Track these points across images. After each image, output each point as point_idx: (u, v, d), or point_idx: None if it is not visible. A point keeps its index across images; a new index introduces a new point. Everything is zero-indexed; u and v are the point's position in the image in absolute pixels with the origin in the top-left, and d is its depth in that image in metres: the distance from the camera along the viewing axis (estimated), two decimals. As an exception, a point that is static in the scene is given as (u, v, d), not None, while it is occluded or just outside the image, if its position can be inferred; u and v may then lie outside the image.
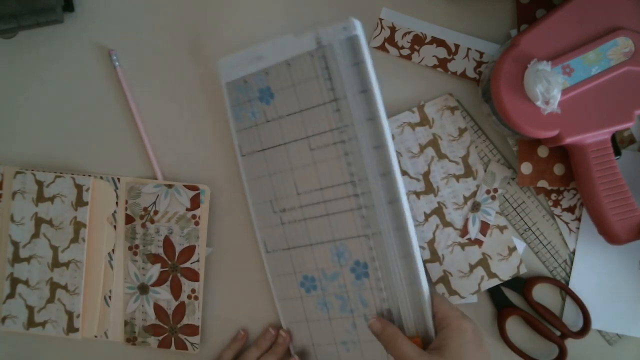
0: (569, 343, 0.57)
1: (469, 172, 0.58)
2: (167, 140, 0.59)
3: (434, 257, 0.57)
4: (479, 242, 0.57)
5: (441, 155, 0.58)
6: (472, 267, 0.57)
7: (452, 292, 0.57)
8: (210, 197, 0.57)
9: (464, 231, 0.57)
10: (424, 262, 0.57)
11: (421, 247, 0.57)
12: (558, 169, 0.57)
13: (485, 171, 0.57)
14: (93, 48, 0.60)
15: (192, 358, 0.58)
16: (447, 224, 0.57)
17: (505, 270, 0.57)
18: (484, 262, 0.57)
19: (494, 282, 0.57)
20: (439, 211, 0.58)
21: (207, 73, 0.58)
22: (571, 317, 0.58)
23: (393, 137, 0.57)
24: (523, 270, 0.57)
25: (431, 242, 0.57)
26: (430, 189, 0.58)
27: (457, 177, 0.58)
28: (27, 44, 0.60)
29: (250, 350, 0.58)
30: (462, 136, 0.58)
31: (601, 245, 0.55)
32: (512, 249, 0.57)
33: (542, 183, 0.57)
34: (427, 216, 0.58)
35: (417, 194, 0.58)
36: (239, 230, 0.59)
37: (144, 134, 0.58)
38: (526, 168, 0.57)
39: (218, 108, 0.58)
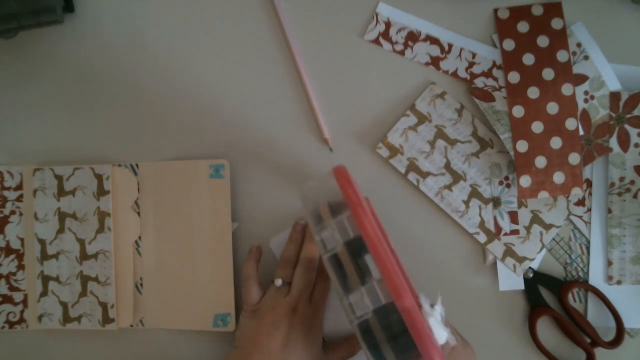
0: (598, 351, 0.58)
1: (484, 145, 0.58)
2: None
3: (490, 236, 0.59)
4: (515, 232, 0.58)
5: (452, 142, 0.59)
6: (527, 228, 0.59)
7: (521, 259, 0.59)
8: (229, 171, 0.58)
9: (497, 230, 0.58)
10: (483, 244, 0.59)
11: (475, 234, 0.59)
12: (558, 178, 0.58)
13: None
14: (93, 48, 0.60)
15: (227, 336, 0.60)
16: (487, 201, 0.59)
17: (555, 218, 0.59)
18: (536, 219, 0.59)
19: (553, 232, 0.59)
20: (475, 193, 0.59)
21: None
22: (594, 321, 0.59)
23: (401, 147, 0.58)
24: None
25: (482, 224, 0.59)
26: (457, 177, 0.58)
27: (476, 154, 0.59)
28: (27, 44, 0.60)
29: (287, 246, 0.58)
30: (462, 115, 0.59)
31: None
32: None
33: (543, 194, 0.57)
34: (466, 203, 0.59)
35: (448, 187, 0.58)
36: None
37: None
38: (525, 181, 0.57)
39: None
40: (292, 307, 0.55)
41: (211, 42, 0.60)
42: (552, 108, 0.57)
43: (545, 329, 0.60)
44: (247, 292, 0.56)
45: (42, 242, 0.59)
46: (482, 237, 0.59)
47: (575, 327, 0.58)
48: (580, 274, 0.59)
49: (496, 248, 0.59)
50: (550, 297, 0.59)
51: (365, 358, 0.46)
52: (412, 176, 0.59)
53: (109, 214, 0.59)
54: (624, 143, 0.58)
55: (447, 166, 0.58)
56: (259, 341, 0.53)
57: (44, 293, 0.59)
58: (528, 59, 0.58)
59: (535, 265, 0.59)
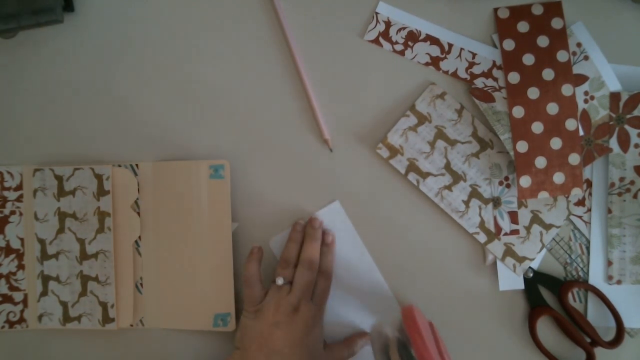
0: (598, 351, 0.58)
1: (484, 145, 0.58)
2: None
3: (490, 236, 0.59)
4: (515, 232, 0.58)
5: (452, 142, 0.58)
6: (527, 228, 0.59)
7: (521, 259, 0.59)
8: (230, 171, 0.59)
9: (497, 230, 0.58)
10: (483, 244, 0.59)
11: (475, 234, 0.59)
12: (558, 178, 0.57)
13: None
14: (93, 48, 0.60)
15: (227, 336, 0.60)
16: (487, 201, 0.59)
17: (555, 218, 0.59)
18: (536, 219, 0.59)
19: (553, 232, 0.59)
20: (475, 193, 0.58)
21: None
22: (594, 321, 0.59)
23: (401, 147, 0.58)
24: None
25: (482, 224, 0.59)
26: (457, 177, 0.58)
27: (476, 155, 0.59)
28: (27, 44, 0.60)
29: (287, 246, 0.58)
30: (462, 115, 0.59)
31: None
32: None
33: (543, 194, 0.57)
34: (466, 203, 0.59)
35: (448, 187, 0.58)
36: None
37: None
38: (525, 181, 0.57)
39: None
40: (295, 307, 0.55)
41: (211, 42, 0.60)
42: (552, 108, 0.57)
43: (545, 328, 0.60)
44: (250, 291, 0.56)
45: (42, 242, 0.59)
46: (482, 237, 0.59)
47: (575, 327, 0.58)
48: (580, 273, 0.59)
49: (496, 248, 0.59)
50: (550, 297, 0.59)
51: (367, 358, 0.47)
52: (412, 176, 0.59)
53: (109, 214, 0.59)
54: (624, 143, 0.58)
55: (447, 166, 0.59)
56: (261, 342, 0.54)
57: (44, 293, 0.59)
58: (528, 59, 0.58)
59: (535, 265, 0.59)
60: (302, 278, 0.56)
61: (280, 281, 0.56)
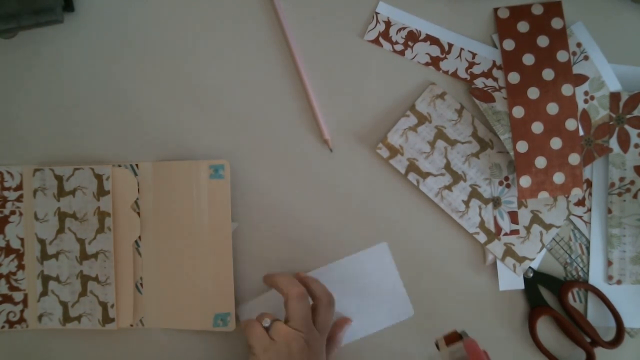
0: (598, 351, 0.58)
1: (484, 145, 0.59)
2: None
3: (490, 236, 0.59)
4: (515, 232, 0.59)
5: (452, 142, 0.59)
6: (527, 228, 0.59)
7: (521, 259, 0.59)
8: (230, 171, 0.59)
9: (497, 230, 0.59)
10: (483, 244, 0.59)
11: (475, 234, 0.59)
12: (558, 178, 0.58)
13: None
14: (93, 48, 0.60)
15: (227, 336, 0.60)
16: (487, 201, 0.59)
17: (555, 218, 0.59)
18: (536, 219, 0.59)
19: (553, 232, 0.59)
20: (475, 193, 0.59)
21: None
22: (594, 321, 0.59)
23: (401, 147, 0.58)
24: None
25: (482, 224, 0.59)
26: (457, 177, 0.58)
27: (476, 155, 0.59)
28: (27, 44, 0.60)
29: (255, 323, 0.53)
30: (462, 115, 0.59)
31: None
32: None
33: (543, 194, 0.57)
34: (466, 203, 0.59)
35: (448, 187, 0.59)
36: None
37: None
38: (525, 181, 0.57)
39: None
40: (306, 341, 0.51)
41: (211, 42, 0.60)
42: (552, 108, 0.57)
43: (545, 329, 0.60)
44: (253, 331, 0.52)
45: (42, 242, 0.59)
46: (482, 237, 0.59)
47: (575, 327, 0.58)
48: (580, 273, 0.59)
49: (496, 248, 0.59)
50: (550, 297, 0.59)
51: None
52: (412, 176, 0.59)
53: (109, 214, 0.59)
54: (624, 143, 0.58)
55: (447, 166, 0.59)
56: None
57: (44, 293, 0.59)
58: (528, 59, 0.58)
59: (535, 265, 0.59)
60: (299, 312, 0.52)
61: (267, 323, 0.52)
